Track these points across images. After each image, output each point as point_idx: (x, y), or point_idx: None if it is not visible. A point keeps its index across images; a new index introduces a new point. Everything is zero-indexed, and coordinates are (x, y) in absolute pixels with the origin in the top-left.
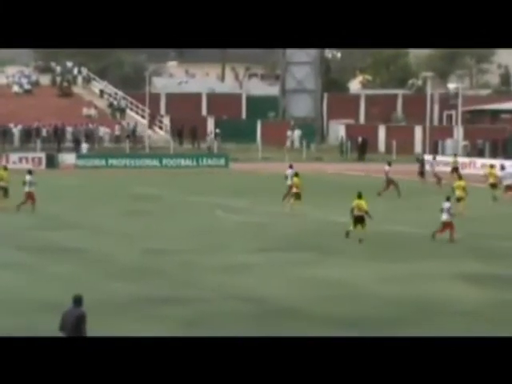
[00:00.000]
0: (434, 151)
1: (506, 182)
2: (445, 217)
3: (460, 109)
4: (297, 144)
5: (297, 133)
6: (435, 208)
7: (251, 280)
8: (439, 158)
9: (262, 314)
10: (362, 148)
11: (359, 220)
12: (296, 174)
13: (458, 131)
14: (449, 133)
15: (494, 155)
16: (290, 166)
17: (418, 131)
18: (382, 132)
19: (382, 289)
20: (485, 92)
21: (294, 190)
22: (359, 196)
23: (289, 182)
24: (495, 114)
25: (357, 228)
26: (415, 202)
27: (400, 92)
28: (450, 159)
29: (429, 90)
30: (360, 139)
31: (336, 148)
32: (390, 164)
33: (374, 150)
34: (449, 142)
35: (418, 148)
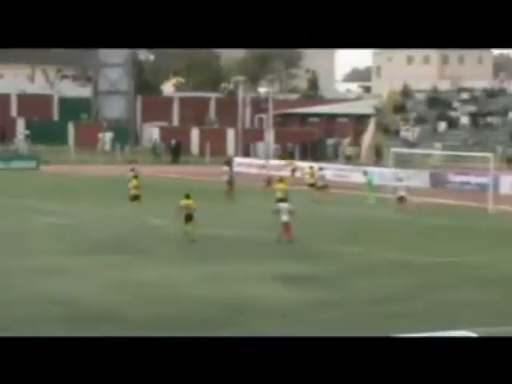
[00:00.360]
0: (246, 154)
1: (320, 183)
2: (285, 217)
3: (271, 112)
4: (108, 146)
5: (108, 135)
6: (249, 211)
7: (65, 283)
8: (272, 161)
9: (74, 318)
10: (176, 150)
11: (189, 218)
12: (136, 177)
13: (269, 134)
14: (260, 136)
15: (303, 158)
16: (132, 169)
17: (231, 134)
18: (195, 135)
19: (197, 291)
20: (294, 96)
21: (133, 191)
22: (187, 196)
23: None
24: (304, 117)
25: (188, 225)
26: (231, 205)
27: (213, 95)
28: (282, 162)
29: (240, 94)
30: (173, 142)
31: (150, 150)
32: (228, 164)
33: (187, 153)
34: (260, 145)
35: (230, 150)
